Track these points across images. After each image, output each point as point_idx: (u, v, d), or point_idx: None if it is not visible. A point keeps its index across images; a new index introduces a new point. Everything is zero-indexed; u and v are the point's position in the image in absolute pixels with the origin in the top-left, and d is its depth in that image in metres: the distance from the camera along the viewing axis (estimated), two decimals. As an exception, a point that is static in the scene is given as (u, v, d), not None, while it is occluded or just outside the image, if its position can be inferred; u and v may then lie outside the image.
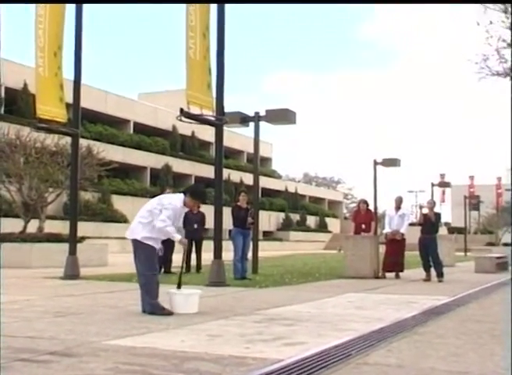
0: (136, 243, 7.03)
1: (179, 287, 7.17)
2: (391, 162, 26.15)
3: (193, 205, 7.37)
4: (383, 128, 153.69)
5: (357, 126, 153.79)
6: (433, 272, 12.87)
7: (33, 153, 20.22)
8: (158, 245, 7.07)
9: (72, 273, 12.67)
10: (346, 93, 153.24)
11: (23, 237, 18.03)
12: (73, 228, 13.19)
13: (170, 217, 6.87)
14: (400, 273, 13.84)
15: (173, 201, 7.00)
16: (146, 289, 6.94)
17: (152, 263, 7.03)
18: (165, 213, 6.85)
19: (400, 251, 13.79)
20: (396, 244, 13.77)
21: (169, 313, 6.77)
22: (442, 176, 52.13)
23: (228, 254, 12.31)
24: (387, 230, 14.02)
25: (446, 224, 67.23)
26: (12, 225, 22.01)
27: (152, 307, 6.83)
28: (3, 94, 35.43)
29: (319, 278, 13.24)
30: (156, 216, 6.90)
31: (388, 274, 13.78)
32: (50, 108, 12.86)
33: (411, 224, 14.25)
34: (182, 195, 7.14)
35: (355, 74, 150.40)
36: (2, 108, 35.17)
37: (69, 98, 13.30)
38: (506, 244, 32.66)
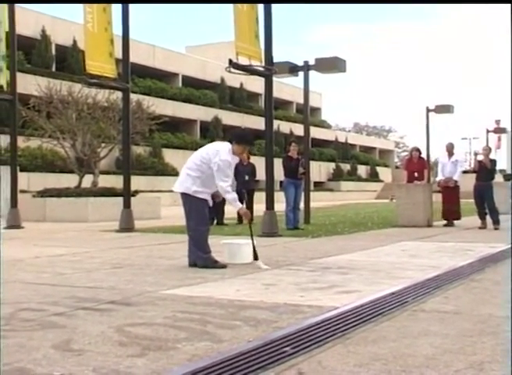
0: (186, 197, 6.81)
1: (256, 258, 6.95)
2: (444, 109, 25.56)
3: (241, 152, 7.08)
4: (435, 74, 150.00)
5: (409, 73, 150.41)
6: (489, 220, 12.67)
7: (85, 109, 20.50)
8: (208, 197, 6.87)
9: (126, 225, 12.93)
10: (395, 42, 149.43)
11: (78, 192, 18.45)
12: (127, 182, 13.40)
13: (229, 176, 6.68)
14: (455, 221, 13.66)
15: (223, 156, 6.66)
16: (198, 244, 6.79)
17: (205, 217, 6.87)
18: (224, 176, 6.60)
19: (455, 198, 13.59)
20: (450, 191, 13.57)
21: (222, 266, 6.67)
22: (498, 122, 50.66)
23: (280, 205, 12.35)
24: (440, 177, 13.81)
25: (502, 171, 65.66)
26: (68, 180, 22.58)
27: (205, 261, 6.71)
28: (54, 52, 35.80)
29: (372, 227, 13.19)
30: (205, 172, 6.68)
31: (441, 222, 13.61)
32: (99, 64, 12.92)
33: (466, 171, 13.98)
34: (229, 145, 6.84)
35: (405, 23, 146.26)
36: (54, 66, 35.57)
37: (117, 53, 13.34)
38: None
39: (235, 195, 6.84)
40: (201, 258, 6.76)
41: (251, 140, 7.36)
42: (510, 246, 8.79)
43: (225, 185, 6.66)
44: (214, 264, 6.70)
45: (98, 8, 12.90)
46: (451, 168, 13.64)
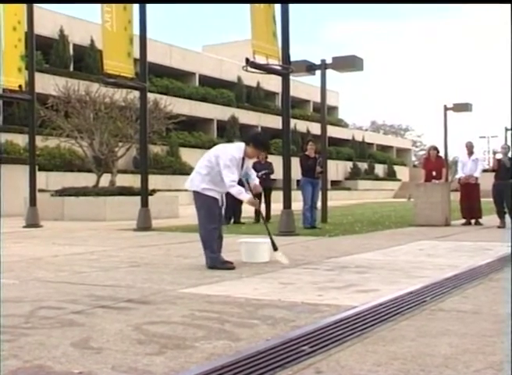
0: (195, 194, 6.78)
1: (275, 248, 6.91)
2: (462, 107, 25.35)
3: (255, 155, 7.04)
4: (453, 72, 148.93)
5: (426, 71, 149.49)
6: (508, 219, 12.55)
7: (102, 108, 20.60)
8: (219, 196, 6.77)
9: (144, 224, 12.97)
10: (413, 39, 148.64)
11: (96, 191, 18.56)
12: (144, 181, 13.45)
13: (234, 172, 6.54)
14: (472, 220, 13.56)
15: (230, 154, 6.59)
16: (207, 243, 6.70)
17: (213, 216, 6.72)
18: (229, 171, 6.49)
19: (475, 196, 13.50)
20: (470, 189, 13.50)
21: (231, 267, 6.49)
22: (516, 120, 50.11)
23: (297, 204, 12.33)
24: (460, 174, 13.75)
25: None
26: (86, 179, 22.72)
27: (212, 261, 6.61)
28: (71, 52, 36.02)
29: (389, 226, 13.12)
30: (214, 169, 6.61)
31: (459, 221, 13.52)
32: (117, 63, 12.95)
33: (484, 170, 13.90)
34: (242, 145, 6.76)
35: (422, 21, 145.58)
36: (71, 66, 35.79)
37: (134, 52, 13.38)
38: None
39: (239, 188, 6.62)
40: (209, 257, 6.67)
41: (269, 145, 7.31)
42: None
43: (229, 180, 6.52)
44: (222, 265, 6.56)
45: (118, 7, 12.91)
46: (472, 166, 13.60)
